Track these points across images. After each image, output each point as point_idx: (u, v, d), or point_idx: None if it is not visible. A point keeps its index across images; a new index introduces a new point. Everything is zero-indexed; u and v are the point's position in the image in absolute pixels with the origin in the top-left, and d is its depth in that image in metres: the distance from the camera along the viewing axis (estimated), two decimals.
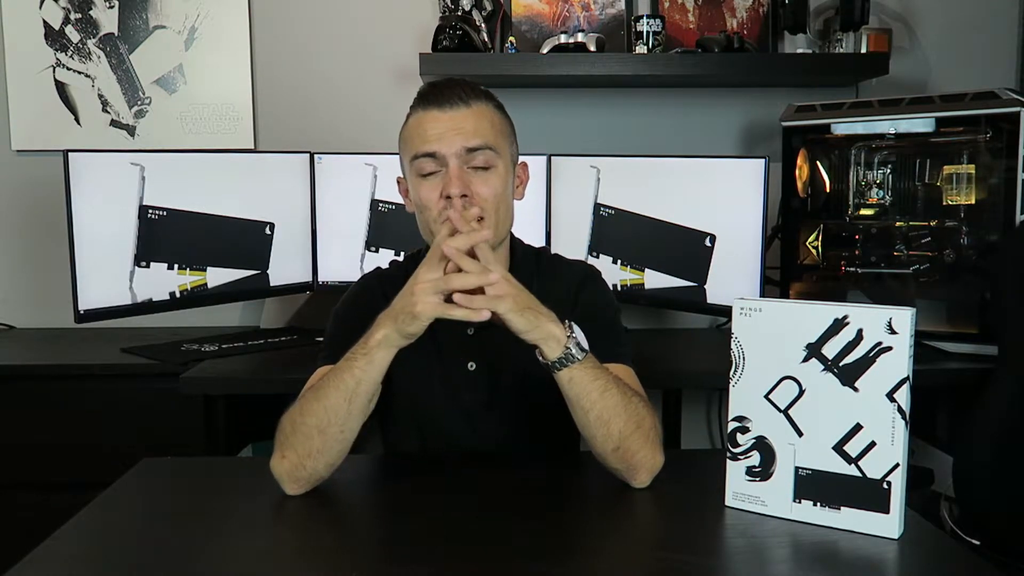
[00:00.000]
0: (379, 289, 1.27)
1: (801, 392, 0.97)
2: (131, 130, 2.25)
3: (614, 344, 1.22)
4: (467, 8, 2.12)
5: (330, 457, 1.06)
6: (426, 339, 1.07)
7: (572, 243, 2.11)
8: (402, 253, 2.02)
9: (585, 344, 1.07)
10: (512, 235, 1.30)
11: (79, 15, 2.21)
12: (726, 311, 1.64)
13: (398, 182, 1.27)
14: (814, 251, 2.05)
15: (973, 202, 1.82)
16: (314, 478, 1.06)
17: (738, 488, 1.02)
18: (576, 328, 1.08)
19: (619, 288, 2.06)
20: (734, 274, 1.90)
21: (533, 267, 1.28)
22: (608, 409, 1.06)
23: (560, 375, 1.06)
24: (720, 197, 1.92)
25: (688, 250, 1.96)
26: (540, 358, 1.07)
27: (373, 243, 2.10)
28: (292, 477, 1.05)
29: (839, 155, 2.02)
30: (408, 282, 1.06)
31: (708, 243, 1.93)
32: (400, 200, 1.29)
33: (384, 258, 2.06)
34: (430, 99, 1.18)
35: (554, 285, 1.27)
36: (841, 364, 0.94)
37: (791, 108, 2.02)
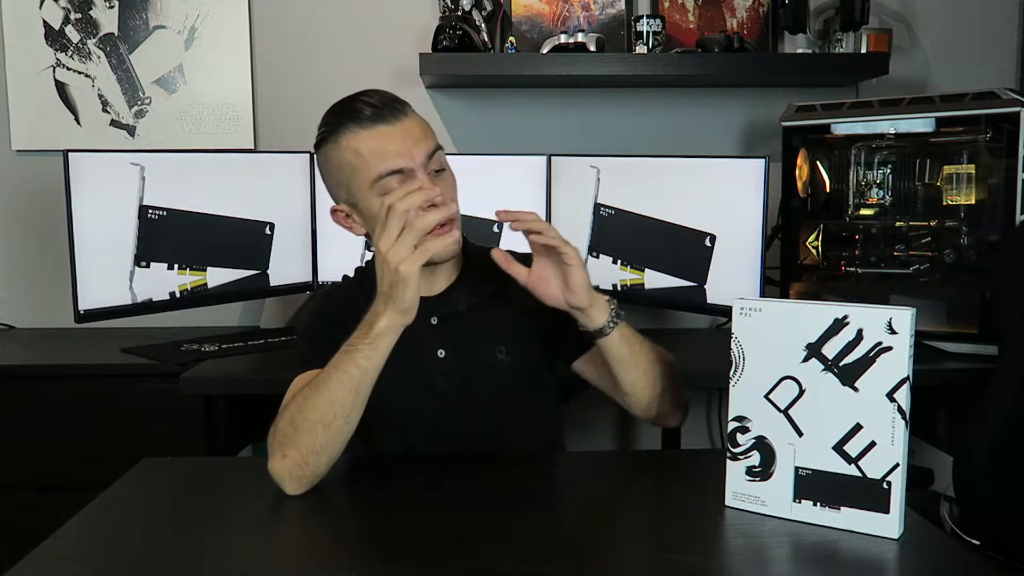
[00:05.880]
0: (342, 296, 1.30)
1: (801, 392, 0.97)
2: (131, 130, 2.25)
3: None
4: (467, 8, 2.12)
5: (332, 451, 1.07)
6: None
7: (572, 243, 2.11)
8: None
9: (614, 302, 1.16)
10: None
11: (79, 15, 2.21)
12: (726, 311, 1.63)
13: (333, 212, 1.23)
14: (814, 251, 2.05)
15: (973, 202, 1.82)
16: (315, 475, 1.06)
17: (738, 488, 1.02)
18: (608, 297, 1.16)
19: (619, 288, 2.06)
20: (734, 274, 1.90)
21: (486, 264, 1.29)
22: (649, 355, 1.18)
23: (610, 337, 1.14)
24: (720, 197, 1.91)
25: (688, 250, 1.96)
26: (587, 326, 1.14)
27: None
28: (294, 476, 1.06)
29: (839, 155, 2.02)
30: (379, 261, 1.07)
31: (708, 243, 1.93)
32: None
33: None
34: (369, 116, 1.15)
35: (513, 279, 1.29)
36: (841, 364, 0.94)
37: (791, 108, 2.02)
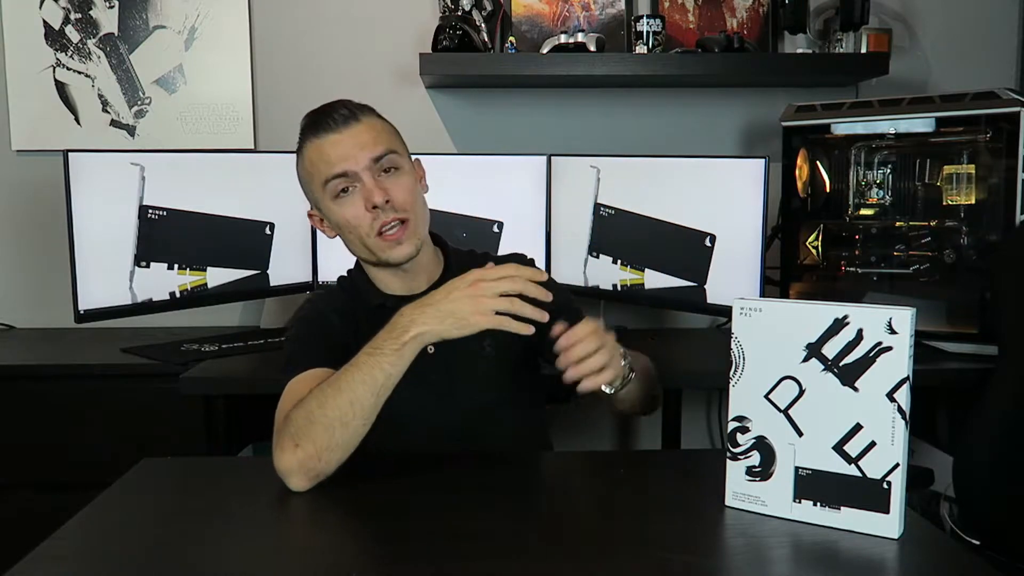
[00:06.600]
0: (324, 305, 1.34)
1: (801, 392, 0.97)
2: (131, 130, 2.25)
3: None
4: (467, 8, 2.12)
5: (346, 450, 1.08)
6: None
7: (572, 243, 2.11)
8: None
9: (627, 356, 1.18)
10: (440, 238, 1.37)
11: (79, 15, 2.21)
12: (726, 311, 1.64)
13: (309, 216, 1.34)
14: (814, 251, 2.05)
15: (973, 202, 1.82)
16: (324, 473, 1.07)
17: (738, 488, 1.01)
18: (623, 350, 1.16)
19: (619, 288, 2.06)
20: (734, 274, 1.90)
21: (466, 264, 1.31)
22: (641, 385, 1.25)
23: (618, 395, 1.18)
24: (720, 197, 1.91)
25: (688, 250, 1.96)
26: (604, 388, 1.14)
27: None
28: (304, 468, 1.05)
29: (839, 155, 2.02)
30: (459, 284, 1.08)
31: (708, 243, 1.93)
32: None
33: None
34: (321, 125, 1.24)
35: None
36: (841, 364, 0.94)
37: (791, 108, 2.02)
